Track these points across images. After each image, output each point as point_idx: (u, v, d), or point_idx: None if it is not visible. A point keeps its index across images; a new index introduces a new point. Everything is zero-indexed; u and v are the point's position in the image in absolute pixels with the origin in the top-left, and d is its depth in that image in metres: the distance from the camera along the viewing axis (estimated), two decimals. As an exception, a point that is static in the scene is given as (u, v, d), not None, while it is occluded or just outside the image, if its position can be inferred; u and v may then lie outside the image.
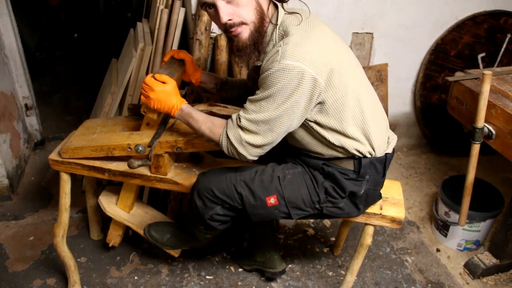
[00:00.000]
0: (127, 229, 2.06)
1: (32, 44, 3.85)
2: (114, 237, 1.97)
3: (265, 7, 1.34)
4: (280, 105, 1.27)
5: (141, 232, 1.82)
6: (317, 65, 1.25)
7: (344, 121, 1.35)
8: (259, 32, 1.34)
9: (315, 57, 1.25)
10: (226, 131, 1.37)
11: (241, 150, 1.35)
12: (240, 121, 1.33)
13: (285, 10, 1.36)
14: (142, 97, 1.46)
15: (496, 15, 2.58)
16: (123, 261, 2.03)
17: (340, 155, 1.43)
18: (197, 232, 1.66)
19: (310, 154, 1.48)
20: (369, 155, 1.43)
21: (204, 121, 1.42)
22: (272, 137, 1.34)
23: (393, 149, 1.53)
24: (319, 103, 1.32)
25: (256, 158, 1.39)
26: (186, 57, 1.67)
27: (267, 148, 1.38)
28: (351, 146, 1.39)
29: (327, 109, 1.33)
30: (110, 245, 1.98)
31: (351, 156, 1.43)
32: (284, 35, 1.32)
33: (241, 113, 1.34)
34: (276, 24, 1.34)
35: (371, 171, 1.46)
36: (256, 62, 1.45)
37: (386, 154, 1.48)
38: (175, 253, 1.91)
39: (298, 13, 1.35)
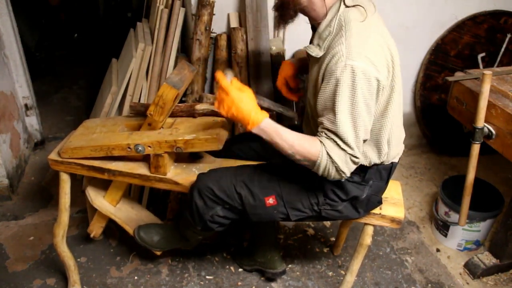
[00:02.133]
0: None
1: (32, 44, 3.85)
2: (96, 228, 1.98)
3: None
4: (357, 112, 1.23)
5: (126, 227, 1.85)
6: (379, 66, 1.25)
7: (385, 124, 1.35)
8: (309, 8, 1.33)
9: (378, 58, 1.24)
10: (327, 151, 1.26)
11: (344, 168, 1.28)
12: (338, 144, 1.26)
13: (345, 4, 1.31)
14: (215, 102, 1.35)
15: (496, 15, 2.57)
16: (123, 261, 2.03)
17: None
18: (190, 233, 1.66)
19: None
20: (379, 163, 1.44)
21: (296, 139, 1.29)
22: (356, 141, 1.27)
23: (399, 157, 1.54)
24: None
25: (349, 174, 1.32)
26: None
27: (358, 158, 1.29)
28: (375, 161, 1.40)
29: (377, 111, 1.33)
30: (92, 235, 1.99)
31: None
32: (345, 27, 1.27)
33: (330, 134, 1.27)
34: (337, 12, 1.30)
35: (376, 177, 1.46)
36: (308, 48, 1.36)
37: (392, 162, 1.48)
38: (158, 252, 1.91)
39: (363, 7, 1.31)
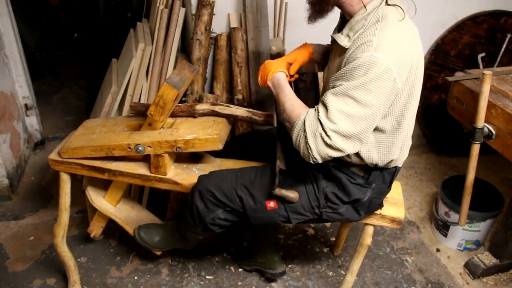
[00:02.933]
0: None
1: (32, 44, 3.85)
2: (96, 228, 1.98)
3: None
4: (362, 101, 1.21)
5: (126, 227, 1.85)
6: (402, 69, 1.22)
7: (400, 128, 1.34)
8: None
9: (403, 60, 1.22)
10: (304, 117, 1.27)
11: (310, 141, 1.24)
12: (318, 112, 1.25)
13: (387, 2, 1.30)
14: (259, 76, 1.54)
15: (496, 15, 2.57)
16: (123, 261, 2.03)
17: (357, 162, 1.42)
18: (190, 233, 1.66)
19: None
20: (382, 167, 1.43)
21: (292, 98, 1.37)
22: (349, 137, 1.23)
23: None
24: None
25: (321, 160, 1.28)
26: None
27: (338, 154, 1.26)
28: (377, 160, 1.39)
29: (393, 114, 1.31)
30: (92, 236, 1.99)
31: (365, 164, 1.42)
32: (381, 22, 1.25)
33: (321, 103, 1.27)
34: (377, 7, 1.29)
35: (379, 180, 1.45)
36: (338, 37, 1.35)
37: (396, 166, 1.48)
38: (158, 252, 1.91)
39: (402, 8, 1.30)
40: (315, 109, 1.28)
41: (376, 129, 1.32)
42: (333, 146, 1.23)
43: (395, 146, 1.37)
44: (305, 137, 1.25)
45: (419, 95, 1.37)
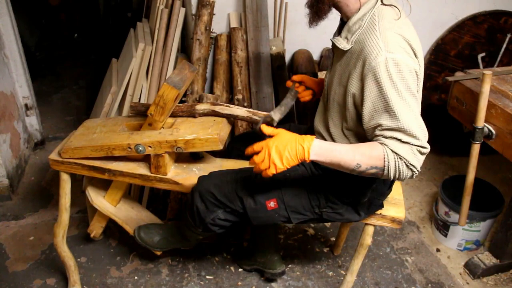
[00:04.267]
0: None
1: (32, 44, 3.85)
2: (96, 228, 1.98)
3: None
4: (409, 101, 1.20)
5: (126, 227, 1.85)
6: (415, 62, 1.25)
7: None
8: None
9: (411, 52, 1.24)
10: (390, 148, 1.19)
11: (413, 161, 1.19)
12: (399, 139, 1.19)
13: (382, 2, 1.30)
14: (265, 171, 1.25)
15: (496, 15, 2.57)
16: (123, 261, 2.03)
17: None
18: (190, 233, 1.66)
19: None
20: None
21: (352, 148, 1.22)
22: (422, 131, 1.21)
23: None
24: None
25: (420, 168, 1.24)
26: (303, 80, 1.68)
27: (426, 148, 1.22)
28: None
29: None
30: (92, 236, 1.99)
31: None
32: (378, 23, 1.25)
33: (391, 133, 1.21)
34: (373, 8, 1.30)
35: (379, 181, 1.44)
36: (336, 40, 1.35)
37: None
38: (158, 252, 1.91)
39: (397, 8, 1.31)
40: (390, 138, 1.21)
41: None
42: (425, 152, 1.22)
43: None
44: (405, 161, 1.19)
45: (421, 92, 1.37)
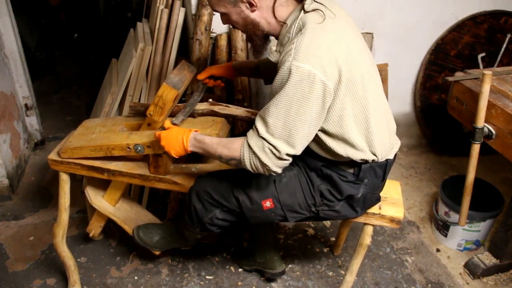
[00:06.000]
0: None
1: (32, 44, 3.85)
2: (95, 227, 1.98)
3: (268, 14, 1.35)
4: (292, 110, 1.22)
5: (125, 226, 1.85)
6: (328, 70, 1.21)
7: (345, 127, 1.32)
8: (254, 34, 1.39)
9: (326, 61, 1.21)
10: (247, 141, 1.29)
11: (264, 158, 1.27)
12: (258, 131, 1.27)
13: (304, 10, 1.30)
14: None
15: (496, 15, 2.57)
16: (123, 261, 2.03)
17: (343, 160, 1.42)
18: (189, 233, 1.67)
19: (312, 155, 1.46)
20: (370, 161, 1.41)
21: (218, 142, 1.35)
22: (292, 144, 1.26)
23: (395, 154, 1.52)
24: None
25: (280, 170, 1.31)
26: (216, 73, 1.75)
27: (289, 159, 1.29)
28: (357, 156, 1.37)
29: (331, 115, 1.29)
30: (91, 235, 1.99)
31: (351, 160, 1.41)
32: (301, 31, 1.27)
33: (257, 122, 1.29)
34: (296, 19, 1.31)
35: (370, 175, 1.45)
36: (270, 53, 1.41)
37: (387, 159, 1.46)
38: (157, 252, 1.90)
39: (321, 11, 1.30)
40: (253, 128, 1.29)
41: (323, 129, 1.33)
42: (283, 157, 1.27)
43: (354, 140, 1.34)
44: (258, 157, 1.27)
45: (368, 86, 1.32)
